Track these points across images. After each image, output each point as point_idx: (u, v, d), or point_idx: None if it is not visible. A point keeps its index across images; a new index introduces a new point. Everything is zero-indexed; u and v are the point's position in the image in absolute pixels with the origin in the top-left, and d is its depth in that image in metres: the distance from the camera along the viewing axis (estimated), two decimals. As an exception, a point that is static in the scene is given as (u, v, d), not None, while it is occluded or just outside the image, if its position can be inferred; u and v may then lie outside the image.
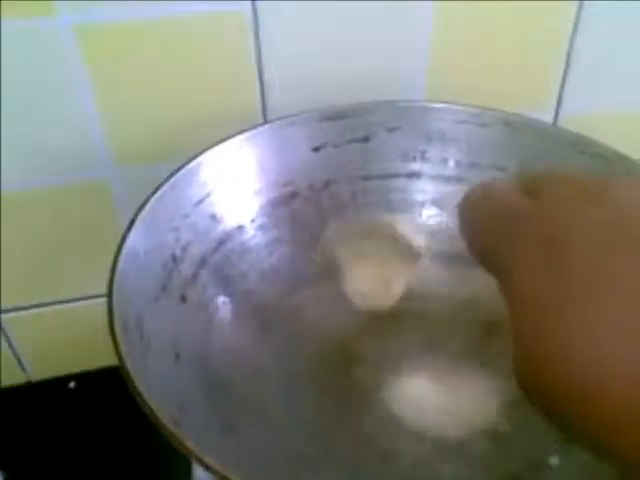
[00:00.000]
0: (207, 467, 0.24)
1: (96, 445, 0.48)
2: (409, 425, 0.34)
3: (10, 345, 0.51)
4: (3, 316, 0.49)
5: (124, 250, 0.31)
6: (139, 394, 0.25)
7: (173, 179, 0.35)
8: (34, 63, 0.39)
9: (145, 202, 0.33)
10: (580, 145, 0.40)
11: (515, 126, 0.41)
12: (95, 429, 0.49)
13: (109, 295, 0.29)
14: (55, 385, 0.53)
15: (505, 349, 0.37)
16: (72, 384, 0.53)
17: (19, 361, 0.52)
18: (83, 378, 0.53)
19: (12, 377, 0.52)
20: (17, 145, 0.42)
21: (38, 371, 0.53)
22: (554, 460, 0.33)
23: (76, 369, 0.53)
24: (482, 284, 0.40)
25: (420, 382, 0.36)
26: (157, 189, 0.34)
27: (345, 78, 0.44)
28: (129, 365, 0.26)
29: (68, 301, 0.50)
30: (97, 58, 0.40)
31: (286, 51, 0.42)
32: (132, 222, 0.33)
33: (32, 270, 0.48)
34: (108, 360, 0.52)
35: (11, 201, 0.44)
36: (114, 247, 0.43)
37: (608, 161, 0.39)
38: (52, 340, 0.52)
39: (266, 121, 0.43)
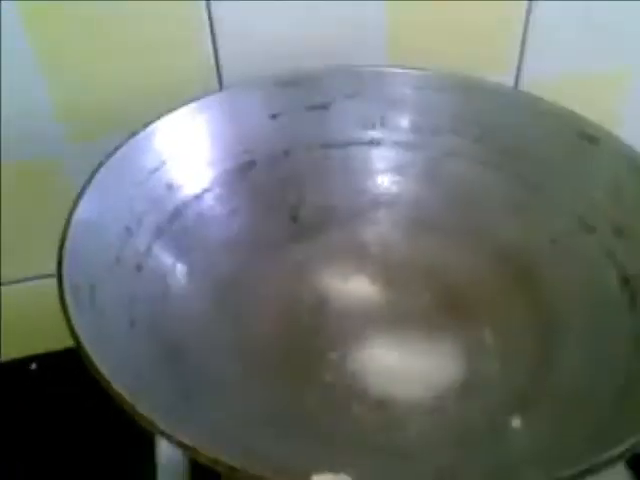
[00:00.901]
0: (163, 434, 0.24)
1: (58, 426, 0.47)
2: (369, 390, 0.34)
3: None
4: (-43, 297, 0.48)
5: (74, 219, 0.30)
6: (93, 365, 0.25)
7: (125, 147, 0.34)
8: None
9: (96, 170, 0.33)
10: (539, 107, 0.40)
11: (474, 90, 0.41)
12: (57, 410, 0.48)
13: (59, 264, 0.28)
14: (16, 367, 0.52)
15: (464, 314, 0.38)
16: (33, 365, 0.52)
17: (-23, 343, 0.51)
18: (44, 359, 0.52)
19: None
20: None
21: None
22: (515, 422, 0.34)
23: (37, 350, 0.52)
24: (442, 251, 0.41)
25: (380, 348, 0.36)
26: (108, 157, 0.33)
27: (303, 46, 0.43)
28: (81, 335, 0.26)
29: (24, 280, 0.49)
30: (40, 27, 0.38)
31: (239, 17, 0.41)
32: (82, 191, 0.32)
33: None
34: (70, 340, 0.51)
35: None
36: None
37: (565, 122, 0.39)
38: (11, 321, 0.51)
39: (221, 89, 0.43)
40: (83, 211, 0.31)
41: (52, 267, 0.48)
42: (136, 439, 0.45)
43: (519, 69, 0.47)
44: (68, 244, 0.29)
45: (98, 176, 0.33)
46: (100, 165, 0.33)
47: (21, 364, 0.52)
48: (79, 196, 0.32)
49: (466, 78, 0.40)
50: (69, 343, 0.50)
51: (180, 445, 0.24)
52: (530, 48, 0.46)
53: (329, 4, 0.42)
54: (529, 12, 0.45)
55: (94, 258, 0.31)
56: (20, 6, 0.37)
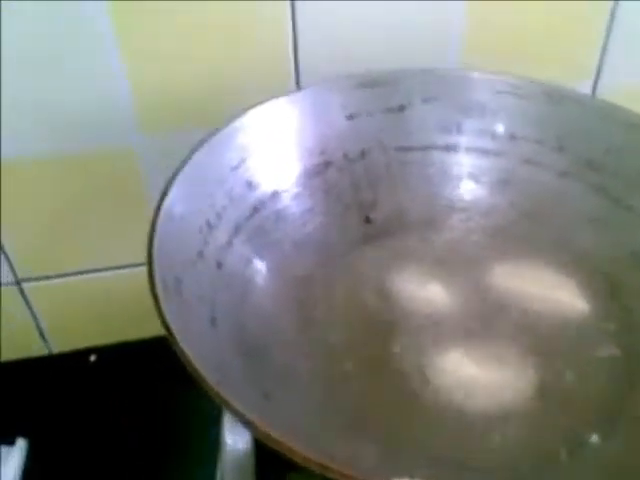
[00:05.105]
0: (250, 425, 0.23)
1: (115, 418, 0.48)
2: (445, 398, 0.33)
3: (33, 315, 0.50)
4: (26, 285, 0.49)
5: (162, 213, 0.30)
6: (184, 355, 0.25)
7: (211, 142, 0.34)
8: (61, 27, 0.38)
9: (182, 165, 0.33)
10: (619, 116, 0.39)
11: (555, 98, 0.40)
12: (115, 402, 0.49)
13: (149, 256, 0.28)
14: (76, 358, 0.52)
15: (539, 326, 0.37)
16: (93, 357, 0.53)
17: (41, 332, 0.52)
18: (104, 352, 0.53)
19: (33, 348, 0.52)
20: (42, 110, 0.41)
21: (59, 343, 0.53)
22: (594, 439, 0.33)
23: (97, 342, 0.53)
24: (515, 261, 0.40)
25: (457, 355, 0.35)
26: (194, 151, 0.33)
27: (381, 46, 0.43)
28: (173, 327, 0.26)
29: (91, 271, 0.50)
30: (126, 18, 0.39)
31: (321, 14, 0.41)
32: (169, 185, 0.32)
33: (55, 239, 0.47)
34: (130, 334, 0.52)
35: (35, 167, 0.43)
36: (139, 217, 0.43)
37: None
38: (74, 312, 0.52)
39: (299, 87, 0.42)
40: (169, 207, 0.31)
41: (117, 259, 0.49)
42: (195, 433, 0.45)
43: (598, 76, 0.46)
44: (156, 239, 0.29)
45: (183, 171, 0.33)
46: (185, 160, 0.33)
47: (81, 355, 0.52)
48: (165, 190, 0.32)
49: (549, 85, 0.40)
50: (129, 336, 0.52)
51: (263, 436, 0.23)
52: (610, 55, 0.46)
53: (409, 7, 0.42)
54: (612, 18, 0.44)
55: (179, 252, 0.31)
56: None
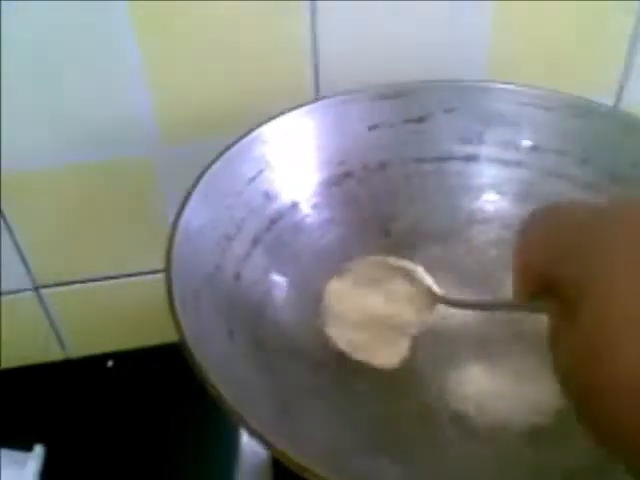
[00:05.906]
0: (269, 445, 0.23)
1: (132, 423, 0.48)
2: (465, 415, 0.33)
3: (51, 321, 0.50)
4: (44, 291, 0.49)
5: (180, 224, 0.30)
6: (200, 369, 0.25)
7: (229, 153, 0.34)
8: (84, 40, 0.38)
9: (200, 176, 0.33)
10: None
11: (579, 110, 0.39)
12: (132, 407, 0.49)
13: (167, 270, 0.28)
14: (93, 363, 0.53)
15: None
16: (110, 362, 0.53)
17: (59, 338, 0.52)
18: (121, 357, 0.53)
19: (51, 353, 0.52)
20: (65, 121, 0.41)
21: (77, 348, 0.53)
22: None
23: (115, 347, 0.53)
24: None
25: (475, 371, 0.35)
26: (212, 163, 0.33)
27: (403, 59, 0.42)
28: (190, 340, 0.26)
29: (109, 278, 0.50)
30: (148, 31, 0.39)
31: (342, 27, 0.41)
32: (187, 196, 0.32)
33: (73, 246, 0.47)
34: (147, 339, 0.52)
35: (55, 177, 0.43)
36: (157, 225, 0.43)
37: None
38: (92, 317, 0.52)
39: (318, 97, 0.42)
40: (187, 219, 0.31)
41: (134, 266, 0.49)
42: (212, 439, 0.45)
43: (621, 89, 0.46)
44: (174, 251, 0.29)
45: (201, 183, 0.33)
46: (203, 172, 0.33)
47: (98, 361, 0.53)
48: (183, 202, 0.32)
49: (572, 97, 0.39)
50: (146, 342, 0.51)
51: (279, 454, 0.23)
52: (635, 69, 0.45)
53: (434, 21, 0.41)
54: (635, 31, 0.44)
55: (197, 264, 0.31)
56: (130, 6, 0.37)
